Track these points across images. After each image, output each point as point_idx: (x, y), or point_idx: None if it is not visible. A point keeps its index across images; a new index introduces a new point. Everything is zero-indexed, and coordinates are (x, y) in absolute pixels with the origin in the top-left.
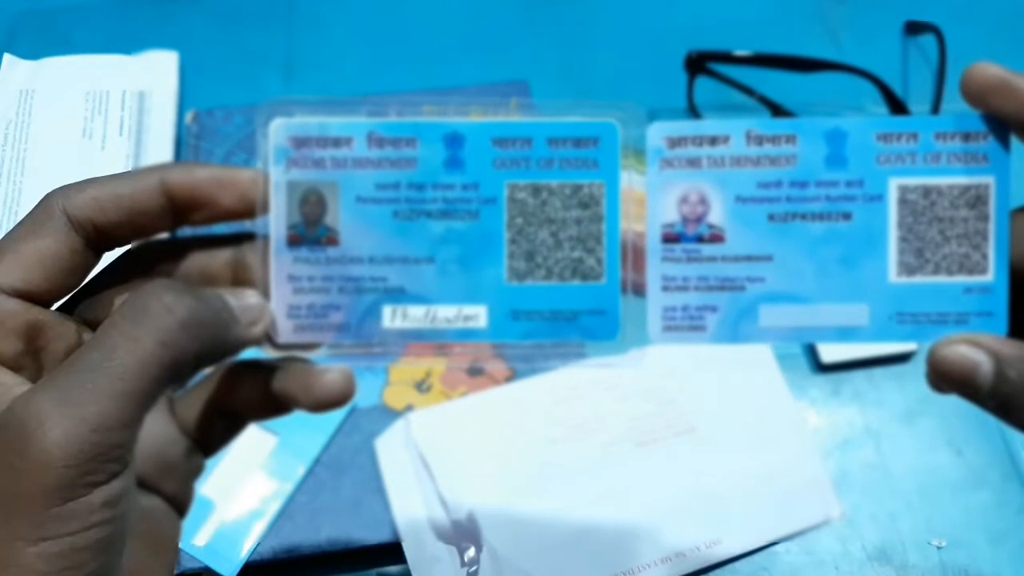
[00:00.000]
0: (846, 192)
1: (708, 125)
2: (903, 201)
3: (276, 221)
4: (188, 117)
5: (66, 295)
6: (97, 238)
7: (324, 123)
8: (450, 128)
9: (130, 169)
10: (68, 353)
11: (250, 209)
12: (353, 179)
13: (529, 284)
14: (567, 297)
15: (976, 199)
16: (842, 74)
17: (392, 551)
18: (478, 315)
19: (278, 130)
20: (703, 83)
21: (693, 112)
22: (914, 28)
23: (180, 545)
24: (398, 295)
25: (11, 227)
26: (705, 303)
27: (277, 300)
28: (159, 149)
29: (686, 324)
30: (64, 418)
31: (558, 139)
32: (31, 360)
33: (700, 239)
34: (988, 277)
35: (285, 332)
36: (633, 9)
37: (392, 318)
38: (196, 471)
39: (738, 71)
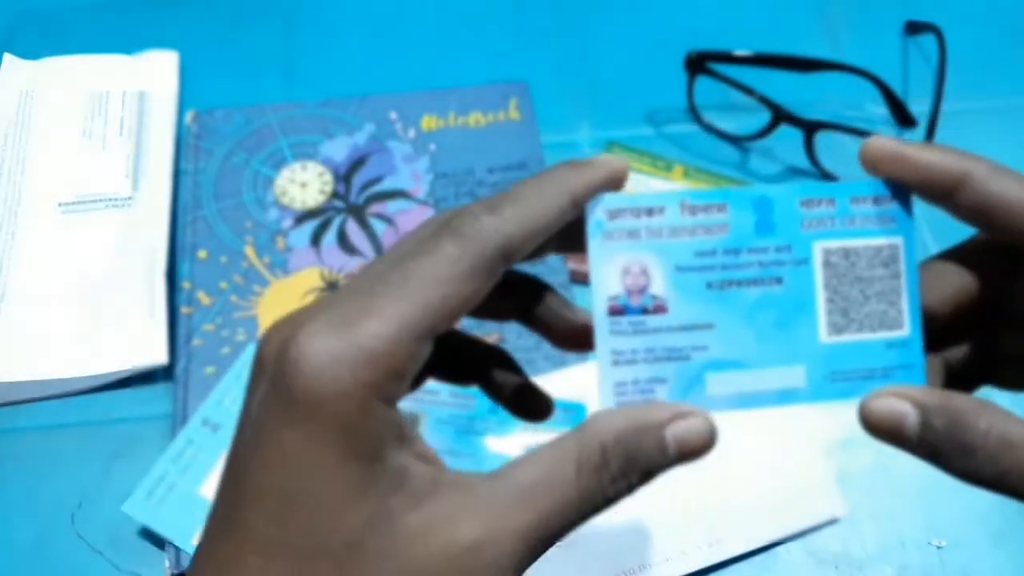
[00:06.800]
0: (776, 257)
1: (643, 198)
2: (827, 264)
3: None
4: (188, 117)
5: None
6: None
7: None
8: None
9: (536, 187)
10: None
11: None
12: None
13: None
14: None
15: (889, 258)
16: (842, 74)
17: None
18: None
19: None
20: (703, 83)
21: (693, 112)
22: (914, 28)
23: (183, 544)
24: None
25: (9, 226)
26: (654, 375)
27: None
28: (159, 149)
29: (638, 398)
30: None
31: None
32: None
33: (644, 311)
34: (904, 332)
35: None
36: (633, 9)
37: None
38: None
39: (738, 71)
